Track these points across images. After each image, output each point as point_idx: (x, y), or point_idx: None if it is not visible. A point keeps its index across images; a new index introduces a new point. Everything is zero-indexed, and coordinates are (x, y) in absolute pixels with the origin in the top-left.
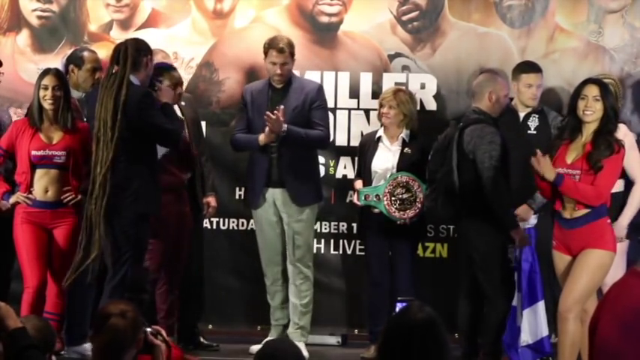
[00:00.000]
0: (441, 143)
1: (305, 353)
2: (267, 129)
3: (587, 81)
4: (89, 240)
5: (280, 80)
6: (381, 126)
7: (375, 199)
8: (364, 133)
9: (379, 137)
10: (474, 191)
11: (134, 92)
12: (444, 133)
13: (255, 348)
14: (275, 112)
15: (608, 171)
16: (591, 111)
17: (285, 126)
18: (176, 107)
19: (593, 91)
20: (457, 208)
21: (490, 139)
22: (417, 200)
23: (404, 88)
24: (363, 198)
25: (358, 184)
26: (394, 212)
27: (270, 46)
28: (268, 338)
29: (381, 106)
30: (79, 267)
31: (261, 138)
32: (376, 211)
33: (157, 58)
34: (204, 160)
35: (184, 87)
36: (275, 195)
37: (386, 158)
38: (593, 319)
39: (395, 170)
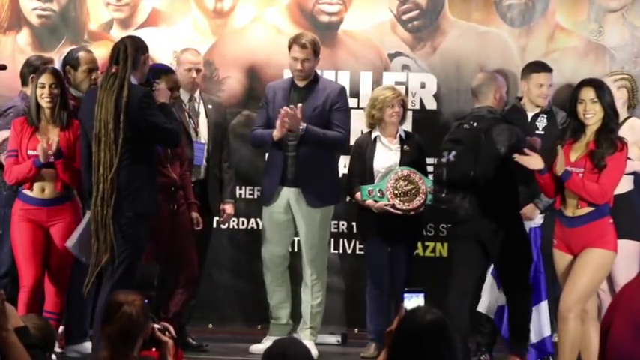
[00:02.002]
0: (470, 146)
1: (315, 352)
2: (277, 124)
3: (583, 83)
4: (99, 243)
5: (300, 76)
6: (378, 126)
7: (378, 194)
8: (364, 133)
9: (376, 137)
10: (507, 189)
11: (135, 92)
12: (454, 134)
13: (255, 348)
14: (292, 107)
15: (612, 169)
16: (591, 114)
17: (303, 125)
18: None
19: (589, 93)
20: (488, 207)
21: (522, 140)
22: (421, 191)
23: (394, 86)
24: (366, 194)
25: (358, 196)
26: (399, 204)
27: (294, 41)
28: (267, 337)
29: (389, 106)
30: (95, 271)
31: (275, 133)
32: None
33: (186, 56)
34: (226, 167)
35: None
36: (289, 194)
37: (388, 157)
38: (606, 321)
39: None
